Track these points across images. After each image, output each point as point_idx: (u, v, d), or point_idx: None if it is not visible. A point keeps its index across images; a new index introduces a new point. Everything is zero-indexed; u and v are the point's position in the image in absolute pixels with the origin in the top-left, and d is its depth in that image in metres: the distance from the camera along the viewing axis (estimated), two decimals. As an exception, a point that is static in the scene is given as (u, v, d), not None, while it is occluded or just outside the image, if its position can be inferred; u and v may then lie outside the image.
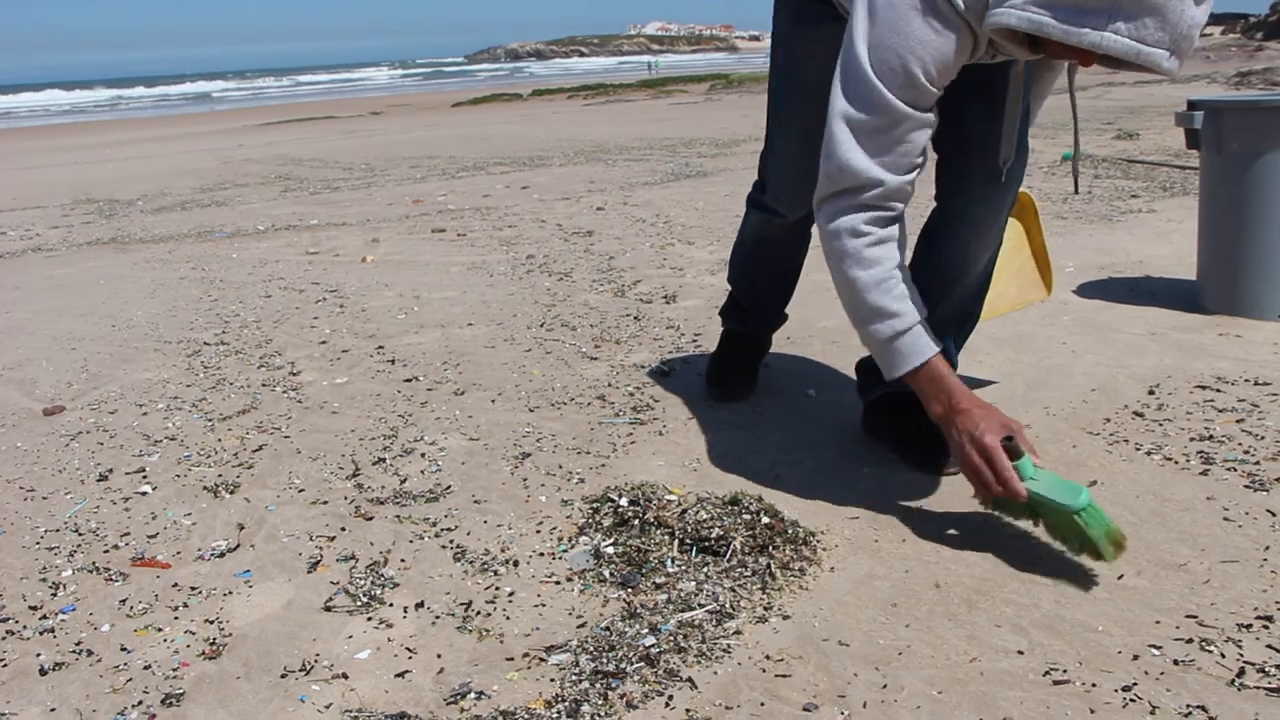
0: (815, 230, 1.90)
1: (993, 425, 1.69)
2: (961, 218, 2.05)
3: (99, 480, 2.32)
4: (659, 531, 1.82)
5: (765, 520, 1.83)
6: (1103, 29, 1.45)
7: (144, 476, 2.32)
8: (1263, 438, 2.14)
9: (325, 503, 2.11)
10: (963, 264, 2.09)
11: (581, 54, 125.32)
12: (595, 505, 1.98)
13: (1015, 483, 1.66)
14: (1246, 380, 2.48)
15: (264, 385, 2.93)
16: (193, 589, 1.79)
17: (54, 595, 1.81)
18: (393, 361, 3.09)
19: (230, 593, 1.77)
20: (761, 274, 2.55)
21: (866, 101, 1.68)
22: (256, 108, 34.47)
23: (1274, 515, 1.81)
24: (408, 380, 2.90)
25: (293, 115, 24.82)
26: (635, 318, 3.43)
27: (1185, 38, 1.46)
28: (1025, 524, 1.78)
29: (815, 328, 3.12)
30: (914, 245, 2.10)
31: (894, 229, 1.78)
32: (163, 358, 3.31)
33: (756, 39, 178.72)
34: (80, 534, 2.04)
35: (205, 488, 2.22)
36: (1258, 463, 2.02)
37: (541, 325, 3.41)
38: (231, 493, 2.18)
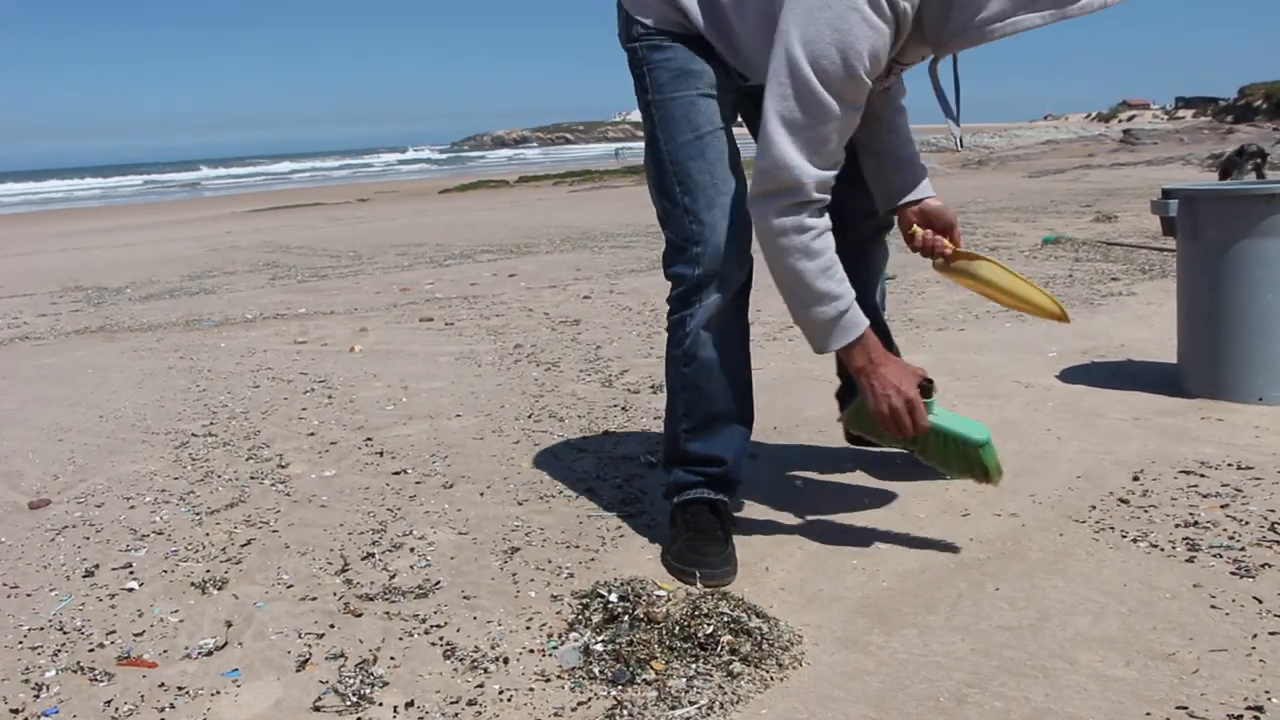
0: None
1: (908, 375, 1.98)
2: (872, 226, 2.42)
3: (85, 576, 2.30)
4: (648, 628, 1.82)
5: (754, 616, 1.83)
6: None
7: (130, 572, 2.31)
8: (1247, 523, 2.17)
9: (314, 599, 2.10)
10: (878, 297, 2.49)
11: (568, 140, 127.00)
12: (585, 601, 1.97)
13: (925, 424, 1.99)
14: (1229, 465, 2.51)
15: (252, 478, 2.93)
16: (180, 689, 1.78)
17: (36, 697, 1.79)
18: (381, 453, 3.10)
19: (218, 692, 1.76)
20: (720, 394, 2.18)
21: (804, 101, 1.80)
22: (244, 194, 34.73)
23: (1261, 602, 1.82)
24: (396, 473, 2.90)
25: (280, 202, 25.00)
26: (623, 408, 3.45)
27: None
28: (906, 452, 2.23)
29: (802, 416, 3.14)
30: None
31: (828, 218, 1.94)
32: (150, 449, 3.31)
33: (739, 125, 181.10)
34: (65, 632, 2.03)
35: (193, 584, 2.21)
36: (1243, 548, 2.04)
37: (529, 416, 3.42)
38: (219, 589, 2.18)
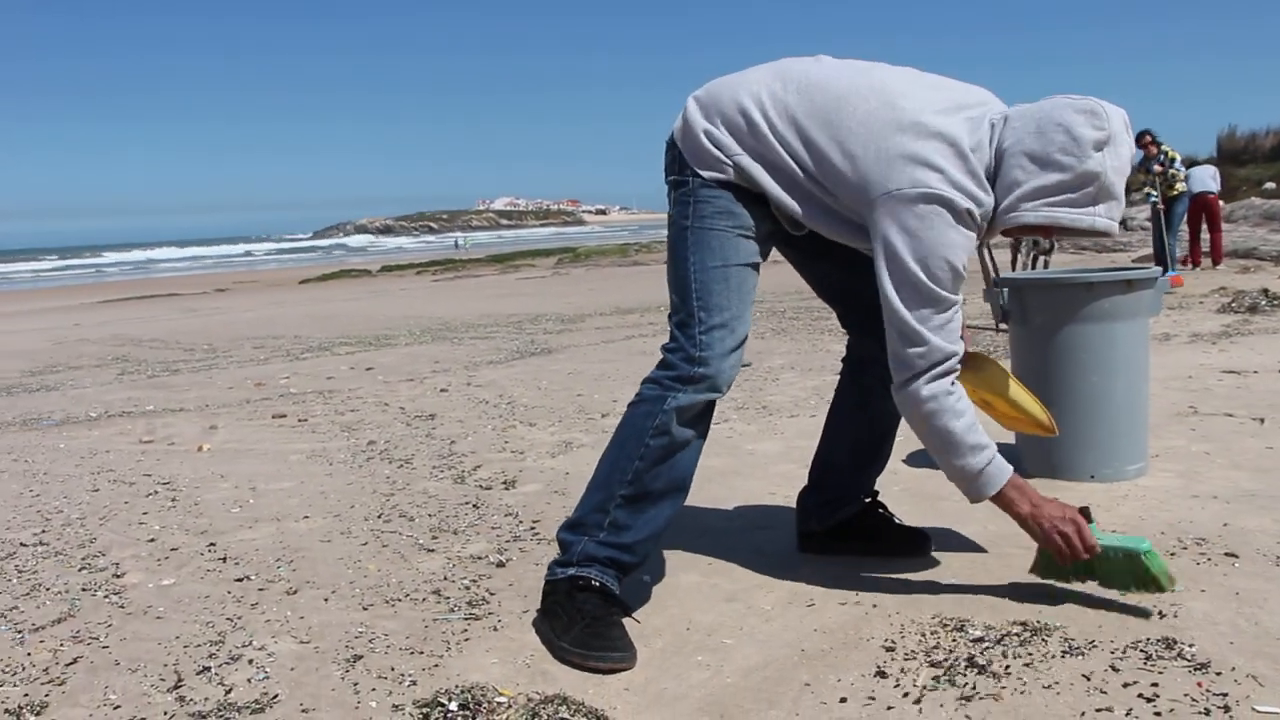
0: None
1: (1070, 509, 2.25)
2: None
3: (-108, 705, 2.16)
4: (489, 736, 1.79)
5: None
6: (1093, 216, 2.12)
7: (-57, 699, 2.17)
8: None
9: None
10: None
11: (431, 229, 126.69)
12: (425, 710, 1.93)
13: (1096, 545, 2.22)
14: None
15: (84, 589, 2.80)
16: (-11, 826, 1.68)
17: None
18: (224, 559, 3.00)
19: (31, 827, 1.66)
20: (667, 474, 2.30)
21: (931, 301, 2.17)
22: (95, 284, 33.65)
23: (1088, 679, 1.89)
24: (239, 580, 2.81)
25: (134, 292, 24.32)
26: (474, 505, 3.42)
27: (1123, 209, 2.18)
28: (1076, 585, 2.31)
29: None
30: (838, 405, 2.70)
31: (961, 385, 2.27)
32: (-26, 562, 3.14)
33: (603, 212, 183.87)
34: None
35: (6, 710, 2.08)
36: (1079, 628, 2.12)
37: (379, 516, 3.36)
38: (37, 715, 2.05)
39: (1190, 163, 15.08)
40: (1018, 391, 2.50)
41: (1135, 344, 3.26)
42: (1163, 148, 11.78)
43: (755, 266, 2.34)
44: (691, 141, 2.33)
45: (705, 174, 2.30)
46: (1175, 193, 11.75)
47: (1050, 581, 2.35)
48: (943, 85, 2.27)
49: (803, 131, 2.23)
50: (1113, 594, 2.28)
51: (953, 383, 2.24)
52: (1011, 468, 2.28)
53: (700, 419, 2.32)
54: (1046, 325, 3.23)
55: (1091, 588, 2.30)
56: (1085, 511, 2.24)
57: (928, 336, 2.18)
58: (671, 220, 2.37)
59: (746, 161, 2.27)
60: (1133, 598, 2.25)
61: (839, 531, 2.72)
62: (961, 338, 2.26)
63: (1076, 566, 2.27)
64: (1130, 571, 2.22)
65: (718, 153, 2.29)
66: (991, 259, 2.79)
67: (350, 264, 35.58)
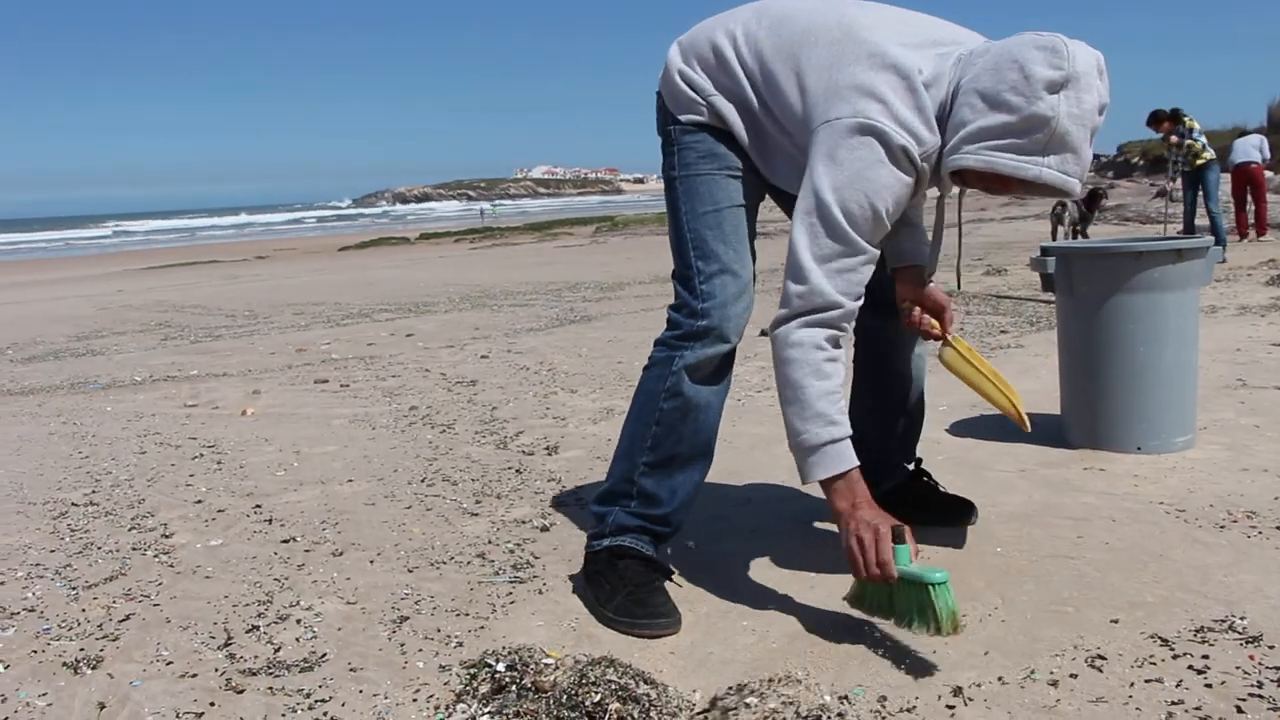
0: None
1: (885, 520, 1.94)
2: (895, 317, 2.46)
3: (-50, 658, 2.20)
4: (536, 697, 1.80)
5: (642, 682, 1.83)
6: (1039, 166, 1.87)
7: (-1, 653, 2.21)
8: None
9: (194, 675, 2.04)
10: (916, 372, 2.58)
11: (469, 197, 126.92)
12: (473, 671, 1.95)
13: (888, 562, 1.90)
14: (1107, 518, 2.59)
15: (134, 549, 2.84)
16: (47, 776, 1.71)
17: (-105, 788, 1.71)
18: (270, 521, 3.04)
19: (88, 779, 1.69)
20: (689, 435, 2.26)
21: (836, 239, 1.97)
22: (138, 252, 33.99)
23: (1138, 651, 1.88)
24: (285, 541, 2.84)
25: (176, 260, 24.54)
26: (517, 470, 3.44)
27: (1085, 168, 1.92)
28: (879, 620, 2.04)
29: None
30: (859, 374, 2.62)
31: (844, 351, 2.06)
32: (26, 520, 3.20)
33: (641, 181, 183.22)
34: (-74, 719, 1.94)
35: (64, 664, 2.12)
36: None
37: (423, 480, 3.39)
38: (93, 668, 2.10)
39: (1240, 132, 14.82)
40: (981, 382, 2.44)
41: (1185, 314, 3.21)
42: (1184, 121, 11.56)
43: (750, 207, 2.25)
44: (669, 85, 2.26)
45: (684, 118, 2.23)
46: (1202, 161, 11.53)
47: (857, 613, 2.07)
48: (920, 21, 2.10)
49: (766, 66, 2.12)
50: (1154, 569, 2.26)
51: (831, 341, 2.02)
52: (856, 463, 2.01)
53: (715, 375, 2.25)
54: (1094, 295, 3.19)
55: None
56: (898, 531, 1.92)
57: (816, 277, 1.99)
58: (664, 176, 2.31)
59: (720, 102, 2.19)
60: (923, 640, 1.95)
61: (884, 503, 2.62)
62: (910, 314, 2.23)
63: (875, 594, 1.99)
64: (918, 602, 1.90)
65: (692, 94, 2.22)
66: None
67: (389, 232, 35.72)
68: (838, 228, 1.96)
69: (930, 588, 1.87)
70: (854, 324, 2.08)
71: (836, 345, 2.03)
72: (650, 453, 2.25)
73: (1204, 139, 11.62)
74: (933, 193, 2.21)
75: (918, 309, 2.40)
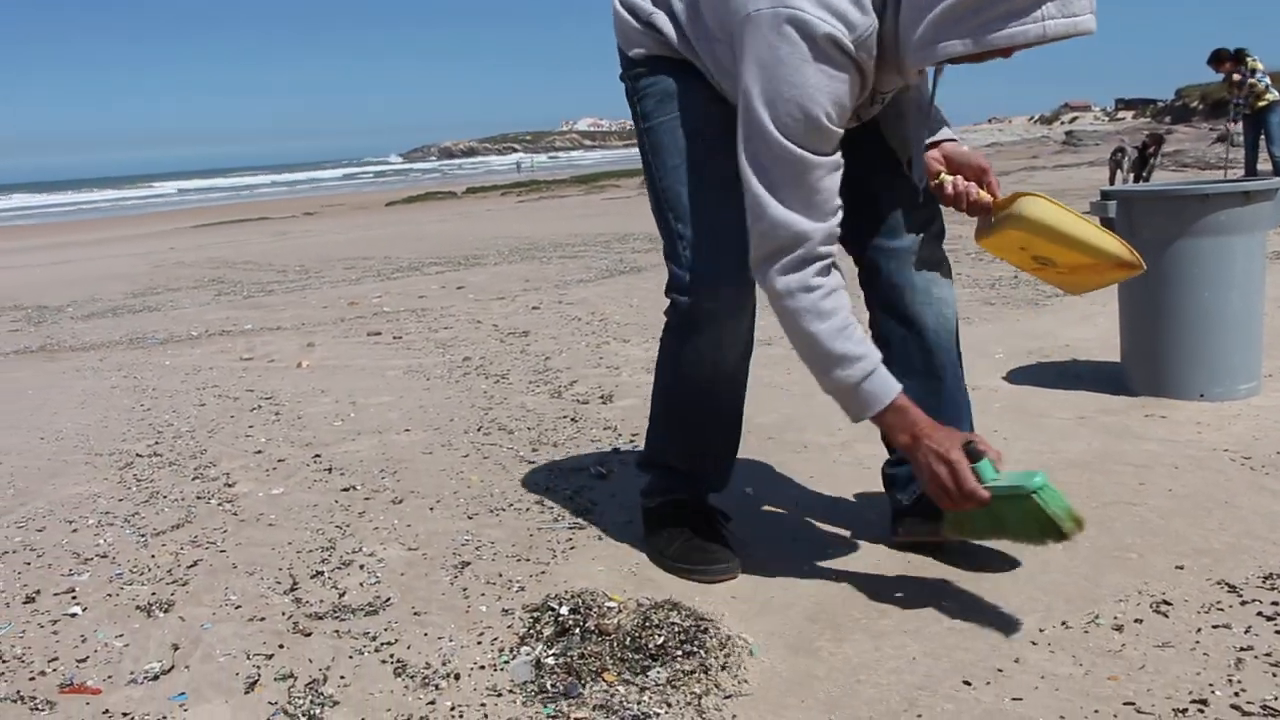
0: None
1: (955, 441, 1.78)
2: (909, 251, 2.10)
3: (25, 603, 2.26)
4: (600, 640, 1.82)
5: (704, 624, 1.84)
6: (1040, 21, 1.56)
7: (73, 597, 2.26)
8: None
9: (262, 619, 2.08)
10: (925, 301, 2.12)
11: (515, 151, 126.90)
12: (536, 614, 1.97)
13: (975, 488, 1.74)
14: (1170, 465, 2.56)
15: (199, 498, 2.89)
16: (124, 715, 1.75)
17: (-22, 726, 1.76)
18: (329, 470, 3.07)
19: (165, 717, 1.73)
20: (711, 407, 2.19)
21: (776, 157, 1.74)
22: (188, 209, 34.35)
23: (1204, 597, 1.86)
24: (345, 489, 2.88)
25: (226, 217, 24.75)
26: (572, 419, 3.45)
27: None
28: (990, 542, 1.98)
29: (752, 424, 3.14)
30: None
31: (837, 275, 1.84)
32: (94, 471, 3.26)
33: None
34: (4, 660, 1.98)
35: (138, 607, 2.17)
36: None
37: (479, 429, 3.41)
38: (165, 611, 2.14)
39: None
40: (1079, 226, 1.94)
41: (1251, 259, 3.14)
42: (1248, 61, 11.26)
43: (725, 142, 1.85)
44: (617, 21, 2.05)
45: (633, 53, 2.03)
46: (1265, 103, 11.23)
47: (915, 555, 2.01)
48: None
49: None
50: (1219, 516, 2.23)
51: (818, 272, 1.80)
52: (899, 386, 1.82)
53: (728, 341, 2.07)
54: (1157, 239, 3.12)
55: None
56: (970, 446, 1.77)
57: (773, 210, 1.76)
58: (636, 133, 2.11)
59: (660, 19, 1.96)
60: (984, 580, 1.89)
61: (920, 511, 2.17)
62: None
63: (977, 518, 1.83)
64: (1029, 517, 1.75)
65: (634, 22, 2.01)
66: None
67: (435, 187, 35.79)
68: (777, 146, 1.73)
69: (1033, 495, 1.71)
70: (835, 241, 1.83)
71: (825, 273, 1.81)
72: (675, 416, 2.23)
73: (1268, 80, 11.33)
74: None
75: (950, 180, 2.01)
